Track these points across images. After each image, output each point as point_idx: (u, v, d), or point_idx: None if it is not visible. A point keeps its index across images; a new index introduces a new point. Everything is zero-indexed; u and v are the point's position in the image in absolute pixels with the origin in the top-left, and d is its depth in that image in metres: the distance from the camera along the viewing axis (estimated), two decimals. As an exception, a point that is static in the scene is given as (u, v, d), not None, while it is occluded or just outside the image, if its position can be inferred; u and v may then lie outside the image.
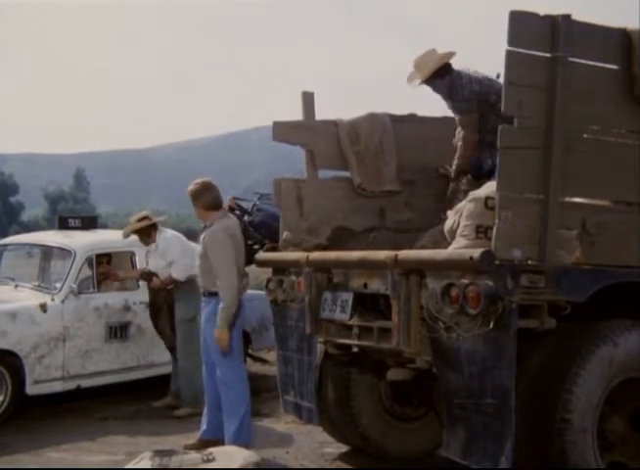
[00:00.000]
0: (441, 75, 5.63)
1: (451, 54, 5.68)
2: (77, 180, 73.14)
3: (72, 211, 52.86)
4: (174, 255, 7.13)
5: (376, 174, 6.00)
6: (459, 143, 5.77)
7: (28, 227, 47.37)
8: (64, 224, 8.02)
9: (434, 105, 6.04)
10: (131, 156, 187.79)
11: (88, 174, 76.33)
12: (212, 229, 5.66)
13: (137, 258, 7.66)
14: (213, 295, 5.71)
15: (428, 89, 5.84)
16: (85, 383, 7.20)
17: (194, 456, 5.25)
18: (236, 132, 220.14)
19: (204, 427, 5.87)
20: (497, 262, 4.04)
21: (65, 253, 7.48)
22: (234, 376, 5.72)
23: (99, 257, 7.56)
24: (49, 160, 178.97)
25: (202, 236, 5.74)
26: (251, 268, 5.88)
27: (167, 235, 7.33)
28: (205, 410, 5.92)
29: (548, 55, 4.18)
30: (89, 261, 7.44)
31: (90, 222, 8.24)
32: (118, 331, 7.48)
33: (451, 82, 5.62)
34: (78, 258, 7.26)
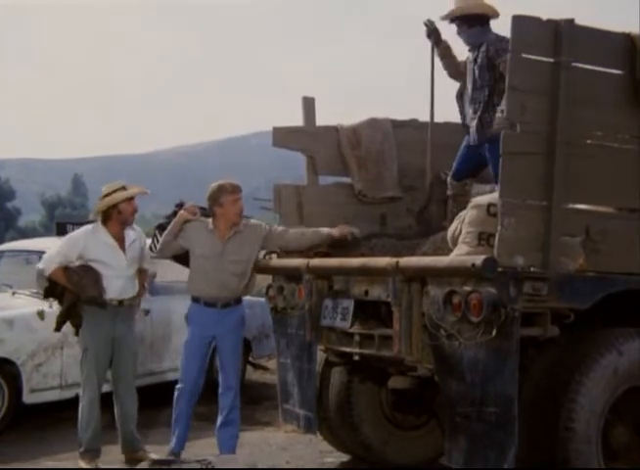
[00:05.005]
0: (473, 24, 5.54)
1: (496, 12, 5.56)
2: (75, 186, 73.06)
3: (70, 216, 52.79)
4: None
5: (377, 180, 5.98)
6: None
7: (25, 233, 47.34)
8: (62, 230, 7.96)
9: (436, 110, 6.01)
10: (130, 161, 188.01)
11: (86, 180, 76.22)
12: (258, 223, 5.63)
13: None
14: (239, 302, 5.63)
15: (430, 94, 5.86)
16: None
17: (192, 465, 5.21)
18: (235, 137, 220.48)
19: (176, 449, 5.62)
20: (500, 270, 4.00)
21: None
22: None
23: None
24: (46, 165, 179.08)
25: (236, 240, 5.52)
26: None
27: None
28: (176, 431, 5.61)
29: (551, 60, 4.15)
30: None
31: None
32: None
33: (482, 35, 5.54)
34: None
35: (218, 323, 5.54)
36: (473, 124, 5.61)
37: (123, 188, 5.82)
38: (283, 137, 5.83)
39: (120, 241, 5.82)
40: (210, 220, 5.56)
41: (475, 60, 5.58)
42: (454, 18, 5.61)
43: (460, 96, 5.79)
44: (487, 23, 5.60)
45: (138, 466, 5.34)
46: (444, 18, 5.64)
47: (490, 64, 5.46)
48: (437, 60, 5.91)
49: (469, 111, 5.67)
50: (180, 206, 5.74)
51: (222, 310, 5.54)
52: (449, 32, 5.76)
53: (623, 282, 4.34)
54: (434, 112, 5.98)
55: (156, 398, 7.05)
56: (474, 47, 5.62)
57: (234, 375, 5.63)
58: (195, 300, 5.62)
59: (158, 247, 5.70)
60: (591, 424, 4.15)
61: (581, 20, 4.19)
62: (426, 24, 5.82)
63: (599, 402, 4.18)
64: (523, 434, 4.02)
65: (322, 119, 5.95)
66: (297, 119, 5.91)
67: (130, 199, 5.82)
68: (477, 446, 4.15)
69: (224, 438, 5.61)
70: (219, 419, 5.62)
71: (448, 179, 5.88)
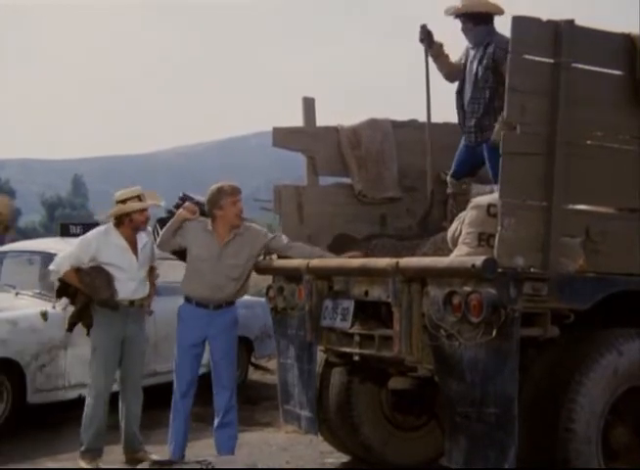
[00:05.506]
0: (479, 22, 5.55)
1: (501, 10, 5.57)
2: (75, 186, 72.99)
3: (70, 217, 52.72)
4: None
5: (377, 180, 5.98)
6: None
7: (25, 233, 47.28)
8: (65, 231, 7.96)
9: (435, 110, 6.03)
10: (130, 161, 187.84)
11: (86, 180, 76.19)
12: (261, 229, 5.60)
13: None
14: (231, 304, 5.60)
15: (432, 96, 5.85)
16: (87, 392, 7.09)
17: (192, 465, 5.22)
18: (235, 138, 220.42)
19: (176, 451, 5.61)
20: (500, 270, 4.01)
21: None
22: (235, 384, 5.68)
23: None
24: (46, 165, 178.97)
25: (235, 244, 5.49)
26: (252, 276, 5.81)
27: None
28: (174, 433, 5.62)
29: (551, 60, 4.16)
30: None
31: (92, 229, 8.17)
32: None
33: (487, 34, 5.54)
34: None
35: (210, 324, 5.53)
36: (471, 124, 5.61)
37: (138, 198, 5.81)
38: (283, 137, 5.83)
39: (132, 244, 5.83)
40: (210, 221, 5.56)
41: (480, 60, 5.56)
42: (459, 14, 5.61)
43: (460, 93, 5.78)
44: (492, 22, 5.59)
45: (139, 466, 5.35)
46: (449, 13, 5.63)
47: (495, 66, 5.44)
48: (432, 61, 5.91)
49: (467, 109, 5.66)
50: (184, 199, 5.74)
51: (214, 312, 5.53)
52: (452, 27, 5.74)
53: (623, 283, 4.34)
54: (430, 114, 5.99)
55: (157, 398, 7.06)
56: (478, 45, 5.61)
57: (228, 376, 5.60)
58: (187, 299, 5.62)
59: (157, 241, 5.72)
60: (591, 424, 4.15)
61: (581, 20, 4.20)
62: (421, 27, 5.82)
63: (599, 403, 4.18)
64: (523, 434, 4.03)
65: (322, 120, 5.92)
66: (297, 120, 5.90)
67: (143, 210, 5.83)
68: (477, 447, 4.15)
69: (222, 439, 5.60)
70: (216, 420, 5.61)
71: (448, 178, 5.89)
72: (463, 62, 5.76)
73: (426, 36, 5.81)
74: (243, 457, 5.66)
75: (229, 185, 5.51)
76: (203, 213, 5.61)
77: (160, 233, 5.64)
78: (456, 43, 5.84)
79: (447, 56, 5.86)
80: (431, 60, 5.89)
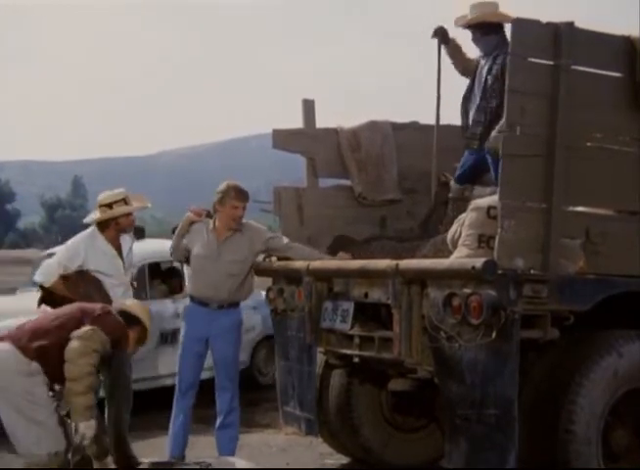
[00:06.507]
0: (487, 32, 5.51)
1: (509, 19, 5.36)
2: (75, 187, 73.03)
3: (70, 218, 52.65)
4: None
5: (377, 182, 5.98)
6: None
7: (25, 235, 47.34)
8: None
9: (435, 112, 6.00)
10: (130, 162, 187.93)
11: (86, 181, 76.20)
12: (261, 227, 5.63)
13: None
14: (235, 305, 5.60)
15: (431, 97, 5.83)
16: (137, 386, 6.53)
17: (191, 466, 5.21)
18: (236, 139, 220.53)
19: (175, 451, 5.60)
20: (500, 272, 4.01)
21: None
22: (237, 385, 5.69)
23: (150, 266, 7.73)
24: (46, 167, 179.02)
25: (234, 240, 5.49)
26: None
27: None
28: (174, 433, 5.61)
29: (551, 62, 4.16)
30: (140, 270, 7.46)
31: (139, 232, 8.15)
32: (169, 337, 7.58)
33: (497, 44, 5.47)
34: None
35: (211, 324, 5.52)
36: (476, 131, 5.55)
37: (124, 201, 5.73)
38: (283, 139, 5.84)
39: (117, 248, 5.77)
40: (212, 220, 5.58)
41: (489, 69, 5.51)
42: (469, 25, 5.59)
43: (466, 99, 5.75)
44: (502, 31, 5.54)
45: (137, 468, 5.32)
46: (458, 24, 5.60)
47: (504, 75, 5.38)
48: (442, 61, 5.88)
49: (474, 117, 5.61)
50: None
51: (215, 311, 5.52)
52: (463, 36, 5.72)
53: (623, 284, 4.34)
54: (439, 118, 5.95)
55: (156, 400, 7.05)
56: (487, 54, 5.59)
57: (228, 377, 5.59)
58: (191, 298, 5.64)
59: (170, 251, 5.77)
60: (591, 426, 4.15)
61: (581, 22, 4.20)
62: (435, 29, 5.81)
63: (599, 404, 4.18)
64: (523, 436, 4.03)
65: (322, 121, 6.01)
66: (296, 121, 5.94)
67: (130, 213, 5.78)
68: (477, 449, 4.15)
69: (223, 440, 5.60)
70: (218, 421, 5.61)
71: (451, 182, 5.87)
72: (475, 64, 5.72)
73: (440, 34, 5.77)
74: (243, 459, 5.66)
75: (239, 190, 5.47)
76: (210, 217, 5.65)
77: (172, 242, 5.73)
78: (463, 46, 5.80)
79: (464, 53, 5.83)
80: (447, 59, 5.85)
